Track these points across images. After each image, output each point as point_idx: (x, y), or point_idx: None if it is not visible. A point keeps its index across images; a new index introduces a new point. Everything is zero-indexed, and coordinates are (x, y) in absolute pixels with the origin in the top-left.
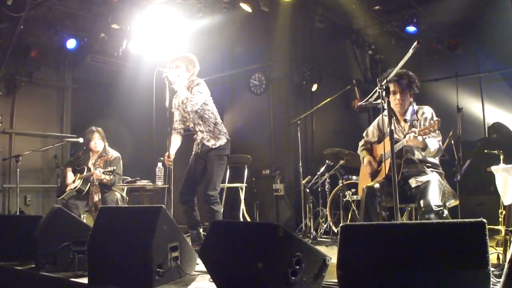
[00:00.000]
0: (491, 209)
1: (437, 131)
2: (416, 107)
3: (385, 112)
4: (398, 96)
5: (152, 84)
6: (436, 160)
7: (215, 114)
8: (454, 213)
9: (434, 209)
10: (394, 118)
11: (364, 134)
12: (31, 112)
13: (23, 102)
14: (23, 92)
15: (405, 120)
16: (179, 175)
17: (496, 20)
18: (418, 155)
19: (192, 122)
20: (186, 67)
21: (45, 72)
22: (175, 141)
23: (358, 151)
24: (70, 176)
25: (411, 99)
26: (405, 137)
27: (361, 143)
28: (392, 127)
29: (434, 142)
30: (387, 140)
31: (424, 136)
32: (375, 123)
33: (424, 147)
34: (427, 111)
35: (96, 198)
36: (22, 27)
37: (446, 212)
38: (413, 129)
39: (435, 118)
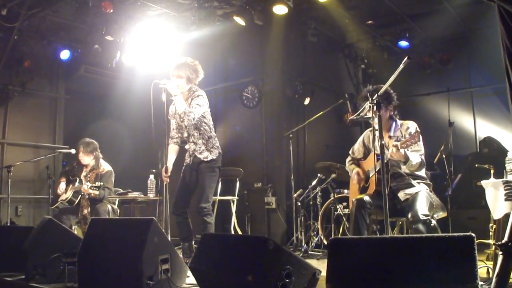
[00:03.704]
0: (482, 223)
1: (418, 143)
2: (399, 122)
3: (376, 127)
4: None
5: (145, 95)
6: (422, 173)
7: (211, 127)
8: (445, 227)
9: (422, 218)
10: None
11: (350, 152)
12: (24, 122)
13: (16, 112)
14: (16, 102)
15: (390, 137)
16: (172, 186)
17: (488, 35)
18: (404, 168)
19: (187, 132)
20: (187, 78)
21: (38, 82)
22: (172, 152)
23: (346, 167)
24: (61, 186)
25: (391, 111)
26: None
27: (348, 159)
28: (377, 143)
29: (415, 156)
30: (371, 156)
31: (406, 149)
32: (360, 140)
33: (406, 160)
34: (411, 126)
35: (86, 211)
36: (16, 37)
37: (434, 221)
38: (395, 142)
39: (416, 129)
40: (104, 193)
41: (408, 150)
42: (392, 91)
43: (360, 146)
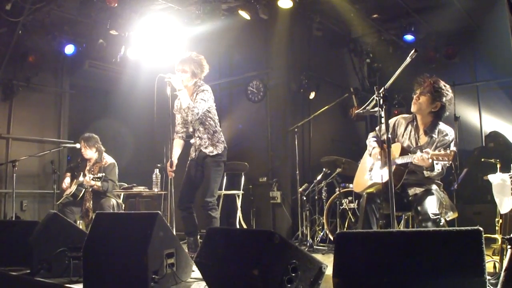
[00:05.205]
0: (488, 218)
1: (449, 162)
2: (440, 124)
3: (404, 115)
4: (415, 96)
5: (150, 90)
6: None
7: (216, 122)
8: (451, 221)
9: (431, 217)
10: (415, 122)
11: (377, 128)
12: (29, 117)
13: (21, 107)
14: (21, 97)
15: (425, 132)
16: (177, 181)
17: (493, 29)
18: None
19: (192, 127)
20: (192, 73)
21: (43, 77)
22: (177, 147)
23: (367, 141)
24: (66, 180)
25: (434, 109)
26: (417, 148)
27: (372, 134)
28: (407, 132)
29: (438, 166)
30: (396, 145)
31: (435, 162)
32: (392, 121)
33: (431, 169)
34: (450, 133)
35: (88, 204)
36: (20, 32)
37: (443, 220)
38: (427, 149)
39: (452, 147)
40: (108, 186)
41: (436, 163)
42: (447, 92)
43: (390, 128)
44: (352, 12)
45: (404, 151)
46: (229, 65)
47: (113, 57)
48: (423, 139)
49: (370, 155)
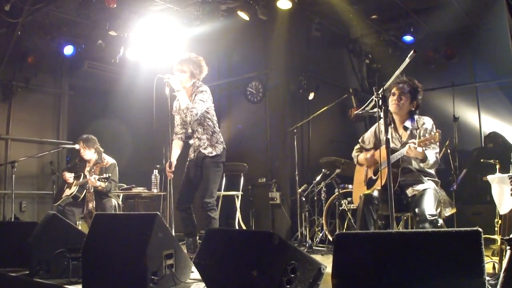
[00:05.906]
0: (487, 219)
1: (437, 143)
2: (416, 117)
3: (382, 121)
4: (395, 97)
5: (149, 91)
6: (431, 170)
7: (215, 122)
8: (450, 222)
9: (429, 218)
10: (392, 125)
11: (360, 140)
12: (28, 118)
13: (20, 108)
14: (20, 98)
15: (405, 128)
16: (176, 182)
17: (493, 30)
18: (415, 165)
19: (191, 128)
20: (190, 73)
21: (42, 78)
22: (177, 148)
23: (353, 154)
24: (68, 175)
25: (412, 108)
26: (402, 145)
27: (356, 147)
28: (389, 135)
29: (432, 154)
30: (383, 148)
31: (424, 148)
32: (372, 129)
33: (424, 159)
34: (428, 121)
35: (91, 205)
36: (19, 33)
37: (441, 221)
38: (413, 140)
39: (435, 129)
40: (111, 186)
41: (425, 148)
42: (420, 90)
43: (371, 136)
44: (351, 12)
45: (392, 152)
46: (228, 66)
47: (112, 58)
48: (405, 136)
49: (357, 163)
